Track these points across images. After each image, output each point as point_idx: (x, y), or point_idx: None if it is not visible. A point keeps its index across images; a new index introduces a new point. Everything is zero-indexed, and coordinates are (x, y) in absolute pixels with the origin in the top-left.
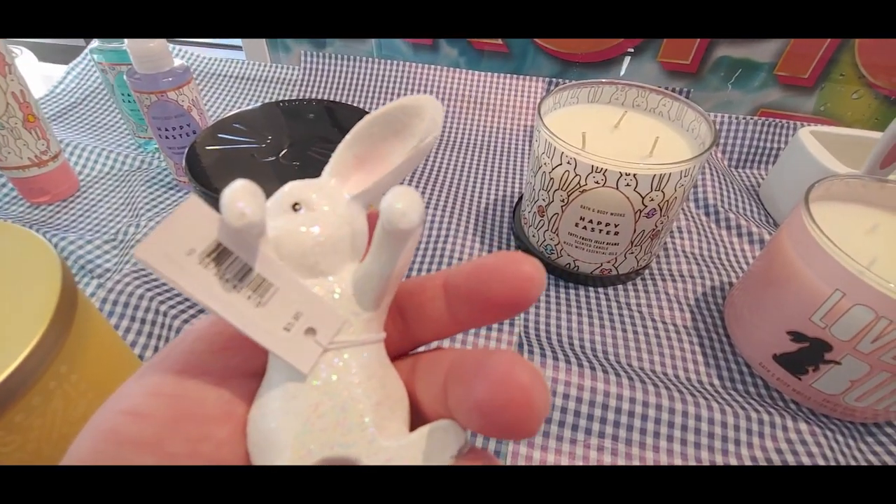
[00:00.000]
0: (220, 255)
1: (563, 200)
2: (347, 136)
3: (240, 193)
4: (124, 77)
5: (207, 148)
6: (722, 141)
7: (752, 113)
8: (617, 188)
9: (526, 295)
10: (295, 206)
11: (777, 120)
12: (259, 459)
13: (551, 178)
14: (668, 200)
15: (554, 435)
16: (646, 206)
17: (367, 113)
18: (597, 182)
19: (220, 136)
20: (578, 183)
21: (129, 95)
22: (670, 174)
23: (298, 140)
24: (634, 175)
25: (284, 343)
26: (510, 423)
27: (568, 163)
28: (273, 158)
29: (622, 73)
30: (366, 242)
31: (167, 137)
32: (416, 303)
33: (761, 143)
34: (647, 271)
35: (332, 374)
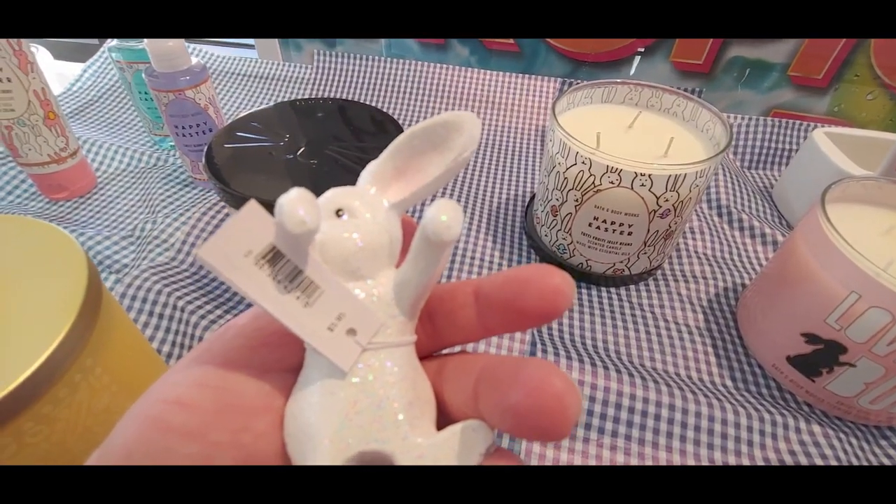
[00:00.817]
0: (273, 257)
1: (576, 200)
2: (389, 148)
3: (299, 202)
4: (143, 75)
5: (225, 146)
6: (735, 142)
7: (765, 113)
8: (632, 188)
9: (556, 307)
10: (338, 213)
11: (790, 121)
12: (297, 451)
13: (565, 178)
14: (682, 201)
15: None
16: (660, 207)
17: (381, 112)
18: (611, 182)
19: (237, 134)
20: (593, 183)
21: (146, 93)
22: (685, 175)
23: (314, 139)
24: (650, 175)
25: (328, 342)
26: (545, 428)
27: (583, 163)
28: (290, 157)
29: (632, 72)
30: (400, 248)
31: (184, 135)
32: (446, 309)
33: (774, 144)
34: (659, 272)
35: (370, 373)
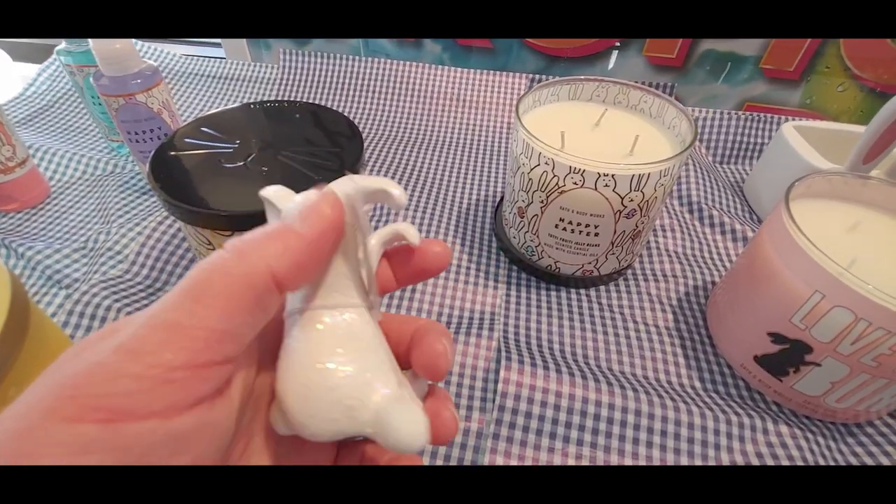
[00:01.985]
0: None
1: (542, 201)
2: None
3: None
4: (90, 80)
5: (172, 154)
6: (706, 136)
7: (739, 107)
8: (595, 189)
9: (439, 264)
10: None
11: (761, 114)
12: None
13: (530, 179)
14: (648, 200)
15: (531, 444)
16: (625, 207)
17: (339, 115)
18: (575, 183)
19: (186, 140)
20: (557, 184)
21: (99, 98)
22: (649, 174)
23: (267, 144)
24: (613, 175)
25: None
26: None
27: (546, 163)
28: (240, 164)
29: (610, 66)
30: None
31: (137, 141)
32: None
33: (746, 139)
34: (629, 271)
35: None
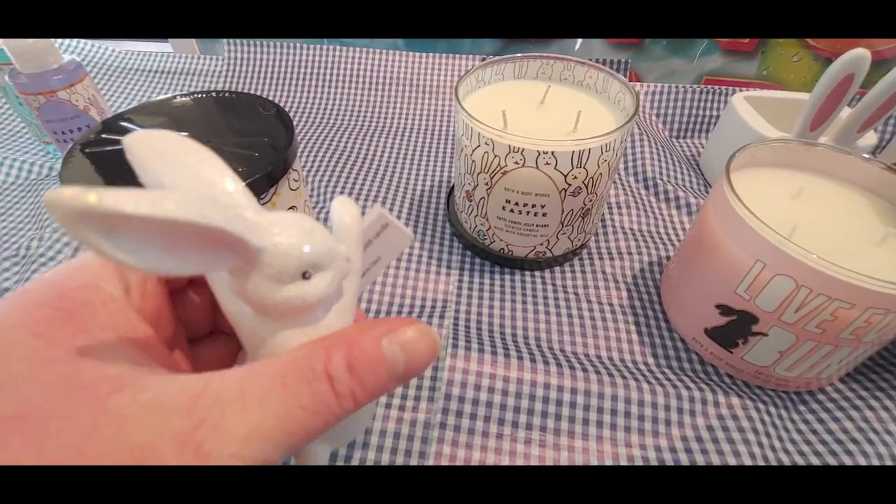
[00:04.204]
0: None
1: (486, 183)
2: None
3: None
4: (5, 77)
5: (87, 152)
6: (662, 111)
7: (698, 81)
8: (537, 167)
9: None
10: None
11: (716, 87)
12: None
13: (473, 161)
14: (592, 177)
15: (479, 431)
16: (569, 185)
17: (269, 103)
18: (516, 163)
19: (103, 136)
20: (499, 164)
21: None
22: (590, 150)
23: (193, 136)
24: (552, 153)
25: None
26: None
27: (486, 143)
28: None
29: (577, 48)
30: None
31: (65, 141)
32: None
33: (702, 112)
34: (584, 251)
35: None
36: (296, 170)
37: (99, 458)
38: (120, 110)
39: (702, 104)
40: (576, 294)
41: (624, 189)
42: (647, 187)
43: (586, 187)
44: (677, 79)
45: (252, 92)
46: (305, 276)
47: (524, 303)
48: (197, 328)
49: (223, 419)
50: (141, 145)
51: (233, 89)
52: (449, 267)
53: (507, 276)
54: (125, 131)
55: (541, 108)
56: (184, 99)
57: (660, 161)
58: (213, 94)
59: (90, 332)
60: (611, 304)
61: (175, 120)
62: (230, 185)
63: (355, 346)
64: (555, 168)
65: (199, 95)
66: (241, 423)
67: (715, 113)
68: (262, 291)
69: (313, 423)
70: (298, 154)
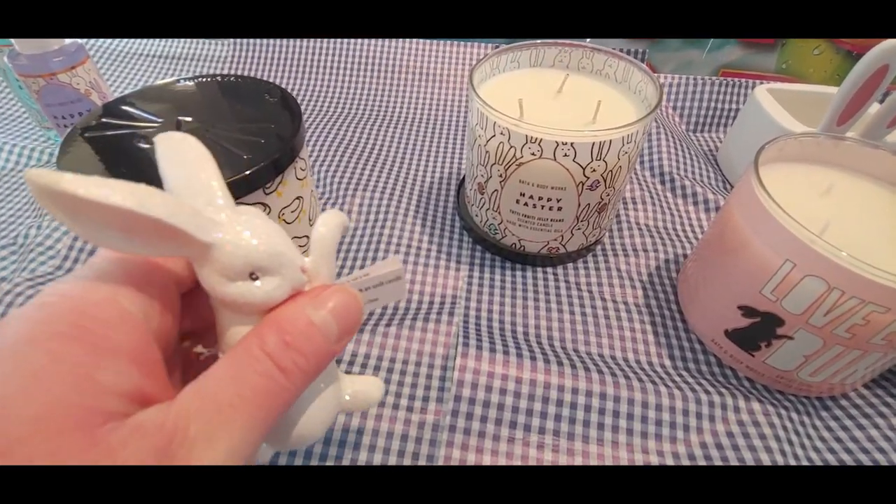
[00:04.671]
0: None
1: (500, 175)
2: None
3: None
4: (4, 59)
5: (88, 136)
6: (679, 104)
7: (714, 73)
8: (555, 159)
9: None
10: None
11: (735, 80)
12: None
13: (487, 152)
14: (611, 170)
15: (490, 434)
16: (588, 178)
17: (277, 88)
18: (533, 154)
19: (103, 121)
20: (514, 155)
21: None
22: (611, 141)
23: (195, 122)
24: (572, 144)
25: None
26: None
27: (501, 133)
28: None
29: (588, 39)
30: None
31: (66, 126)
32: None
33: (720, 105)
34: (598, 247)
35: None
36: (303, 158)
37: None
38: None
39: (720, 97)
40: (589, 291)
41: (640, 184)
42: (663, 182)
43: (604, 181)
44: (693, 71)
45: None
46: (252, 276)
47: (536, 300)
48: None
49: (189, 430)
50: (162, 145)
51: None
52: (458, 262)
53: (519, 273)
54: (127, 116)
55: (558, 98)
56: (187, 83)
57: (677, 155)
58: (218, 77)
59: (100, 354)
60: (626, 303)
61: (177, 105)
62: (214, 182)
63: (284, 322)
64: (573, 160)
65: (203, 79)
66: (206, 430)
67: (734, 106)
68: (212, 283)
69: (271, 403)
70: (305, 143)
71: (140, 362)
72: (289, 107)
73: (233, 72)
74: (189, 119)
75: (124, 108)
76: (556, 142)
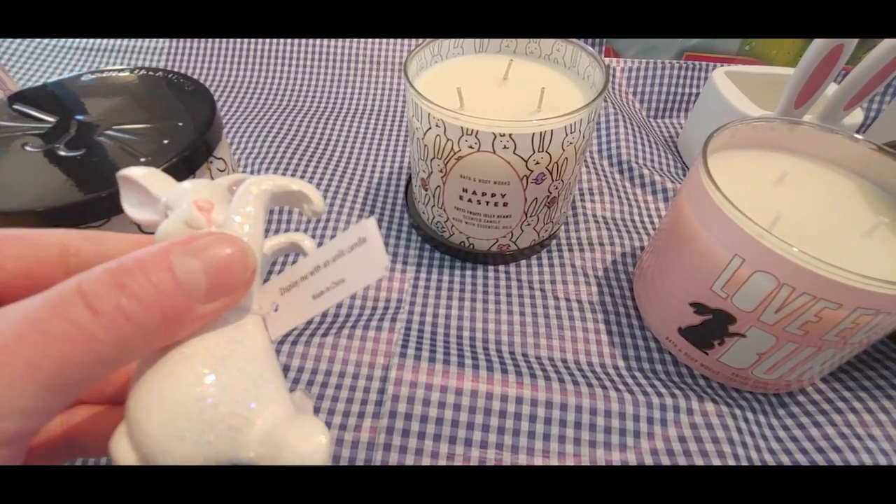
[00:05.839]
0: None
1: (441, 170)
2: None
3: None
4: None
5: None
6: (640, 89)
7: (678, 56)
8: (494, 152)
9: None
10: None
11: (696, 63)
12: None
13: (425, 145)
14: (557, 162)
15: (428, 452)
16: (532, 171)
17: (191, 80)
18: (471, 147)
19: None
20: (452, 148)
21: None
22: (552, 131)
23: (92, 121)
24: (510, 135)
25: None
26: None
27: (437, 125)
28: (50, 147)
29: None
30: None
31: None
32: None
33: (681, 90)
34: (553, 242)
35: None
36: (221, 158)
37: None
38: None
39: (681, 81)
40: (542, 290)
41: (597, 174)
42: (621, 171)
43: (550, 173)
44: (657, 55)
45: (190, 70)
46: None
47: (485, 301)
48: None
49: None
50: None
51: (167, 67)
52: (405, 263)
53: (469, 272)
54: (20, 114)
55: (503, 86)
56: (92, 77)
57: (635, 143)
58: (127, 71)
59: None
60: (579, 301)
61: (78, 101)
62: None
63: (131, 261)
64: (514, 153)
65: (112, 73)
66: None
67: (695, 91)
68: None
69: (65, 352)
70: (227, 139)
71: None
72: (204, 100)
73: (171, 66)
74: (84, 118)
75: (16, 107)
76: (494, 133)
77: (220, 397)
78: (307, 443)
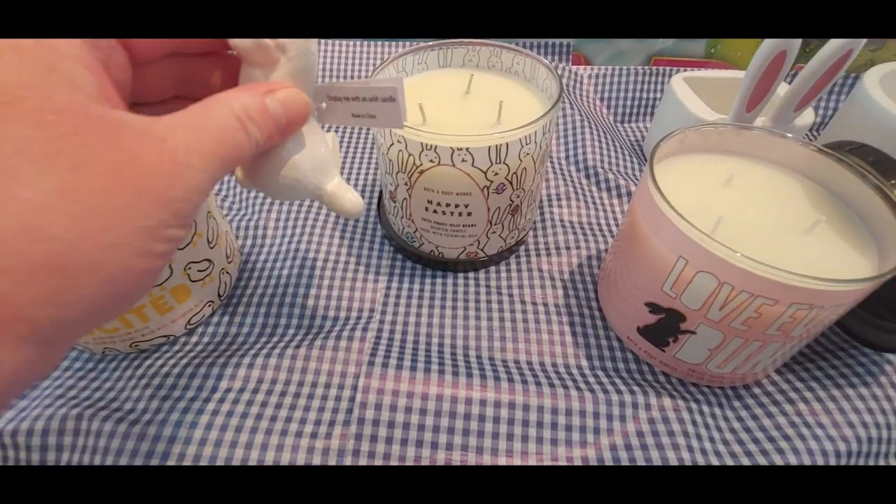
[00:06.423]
0: None
1: (406, 183)
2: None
3: None
4: None
5: None
6: (607, 95)
7: (646, 62)
8: (454, 165)
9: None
10: None
11: (662, 68)
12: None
13: (389, 160)
14: (516, 173)
15: (395, 456)
16: (491, 182)
17: None
18: (431, 161)
19: None
20: (414, 163)
21: None
22: (508, 144)
23: None
24: (467, 149)
25: None
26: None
27: (398, 141)
28: None
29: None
30: None
31: None
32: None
33: (646, 94)
34: (521, 248)
35: None
36: None
37: (96, 157)
38: None
39: (647, 87)
40: (510, 295)
41: (564, 179)
42: (587, 176)
43: (511, 183)
44: (627, 60)
45: None
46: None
47: (454, 308)
48: (155, 94)
49: (178, 138)
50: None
51: None
52: (378, 273)
53: (440, 280)
54: None
55: (465, 100)
56: None
57: (601, 148)
58: None
59: (63, 55)
60: (545, 304)
61: None
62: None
63: (275, 102)
64: (472, 165)
65: None
66: (189, 140)
67: (659, 95)
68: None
69: (234, 151)
70: None
71: (101, 78)
72: None
73: None
74: None
75: None
76: (452, 148)
77: (306, 175)
78: (352, 205)
